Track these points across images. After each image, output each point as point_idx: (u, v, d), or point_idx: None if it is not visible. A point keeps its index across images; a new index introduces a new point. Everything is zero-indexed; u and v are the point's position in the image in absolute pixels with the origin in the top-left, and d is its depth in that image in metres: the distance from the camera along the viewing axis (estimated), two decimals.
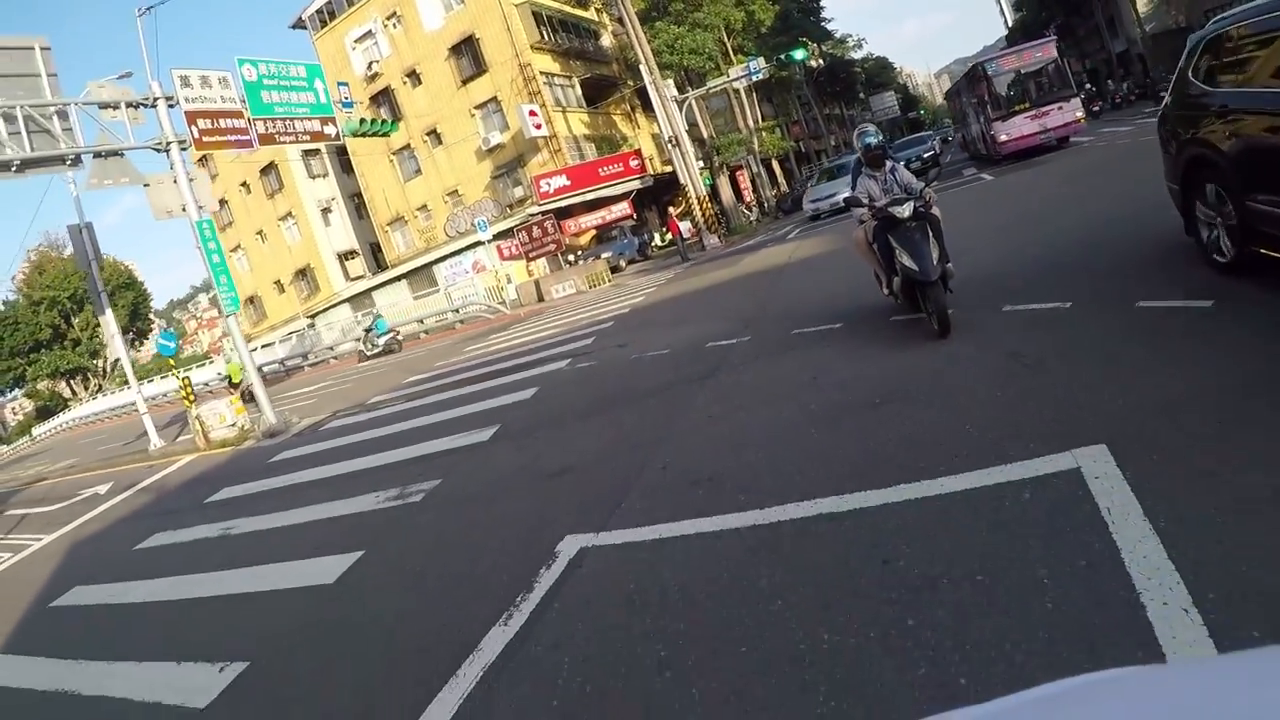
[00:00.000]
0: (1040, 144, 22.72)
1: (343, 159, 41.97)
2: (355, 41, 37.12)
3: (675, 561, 3.94)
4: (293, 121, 15.60)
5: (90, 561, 9.44)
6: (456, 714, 3.25)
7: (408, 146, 37.02)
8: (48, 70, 12.87)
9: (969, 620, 2.70)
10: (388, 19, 36.07)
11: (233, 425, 14.97)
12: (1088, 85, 42.16)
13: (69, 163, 12.99)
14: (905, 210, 6.17)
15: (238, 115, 14.64)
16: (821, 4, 66.05)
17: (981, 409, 4.56)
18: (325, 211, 43.16)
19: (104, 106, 13.22)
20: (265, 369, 32.05)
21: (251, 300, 46.19)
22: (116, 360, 60.39)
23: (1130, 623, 2.42)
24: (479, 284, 30.46)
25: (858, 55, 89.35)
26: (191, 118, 13.81)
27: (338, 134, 16.84)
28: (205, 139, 14.03)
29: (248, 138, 14.83)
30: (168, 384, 39.58)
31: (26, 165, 12.32)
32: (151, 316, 64.66)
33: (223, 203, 44.75)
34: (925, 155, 32.23)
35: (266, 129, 15.14)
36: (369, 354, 26.75)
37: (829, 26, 73.78)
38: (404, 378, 16.58)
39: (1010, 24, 79.70)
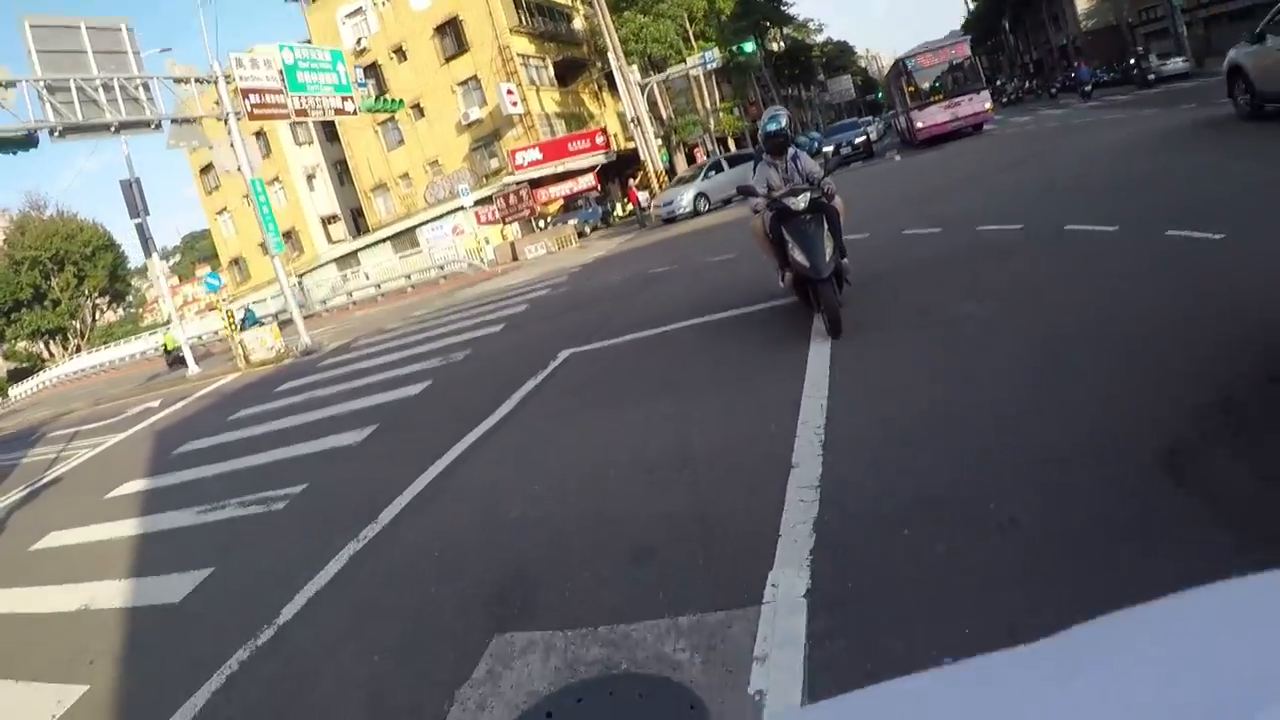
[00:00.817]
0: (953, 130, 26.29)
1: (327, 128, 44.57)
2: (346, 17, 39.91)
3: (618, 350, 7.88)
4: (321, 98, 19.00)
5: (188, 433, 12.12)
6: (519, 405, 6.97)
7: (392, 118, 39.92)
8: (133, 48, 15.99)
9: (737, 348, 6.57)
10: None
11: (271, 349, 18.40)
12: (998, 80, 46.21)
13: (153, 126, 16.20)
14: (800, 201, 5.98)
15: (279, 92, 17.98)
16: None
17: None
18: (310, 178, 45.95)
19: (178, 81, 16.47)
20: (264, 318, 35.04)
21: (236, 262, 48.86)
22: (95, 321, 62.52)
23: (804, 335, 6.17)
24: (459, 245, 33.86)
25: (819, 39, 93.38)
26: (244, 93, 17.14)
27: (355, 110, 20.25)
28: (256, 111, 17.43)
29: (286, 110, 18.21)
30: (139, 345, 42.20)
31: (123, 127, 15.56)
32: (129, 281, 66.41)
33: (209, 168, 47.20)
34: (857, 141, 31.37)
35: (301, 104, 18.55)
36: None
37: (791, 11, 77.38)
38: (411, 313, 20.09)
39: (968, 12, 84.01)
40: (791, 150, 6.50)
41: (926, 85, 27.49)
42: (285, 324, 37.05)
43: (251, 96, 17.16)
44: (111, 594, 5.57)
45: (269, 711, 3.35)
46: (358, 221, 46.25)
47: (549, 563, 3.79)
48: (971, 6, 79.84)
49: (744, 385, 5.51)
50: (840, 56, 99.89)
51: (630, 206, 35.22)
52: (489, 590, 3.67)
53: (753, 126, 57.81)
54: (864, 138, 32.14)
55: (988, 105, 26.83)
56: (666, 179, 33.28)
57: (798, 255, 5.88)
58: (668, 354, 7.11)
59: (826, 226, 5.94)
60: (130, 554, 6.59)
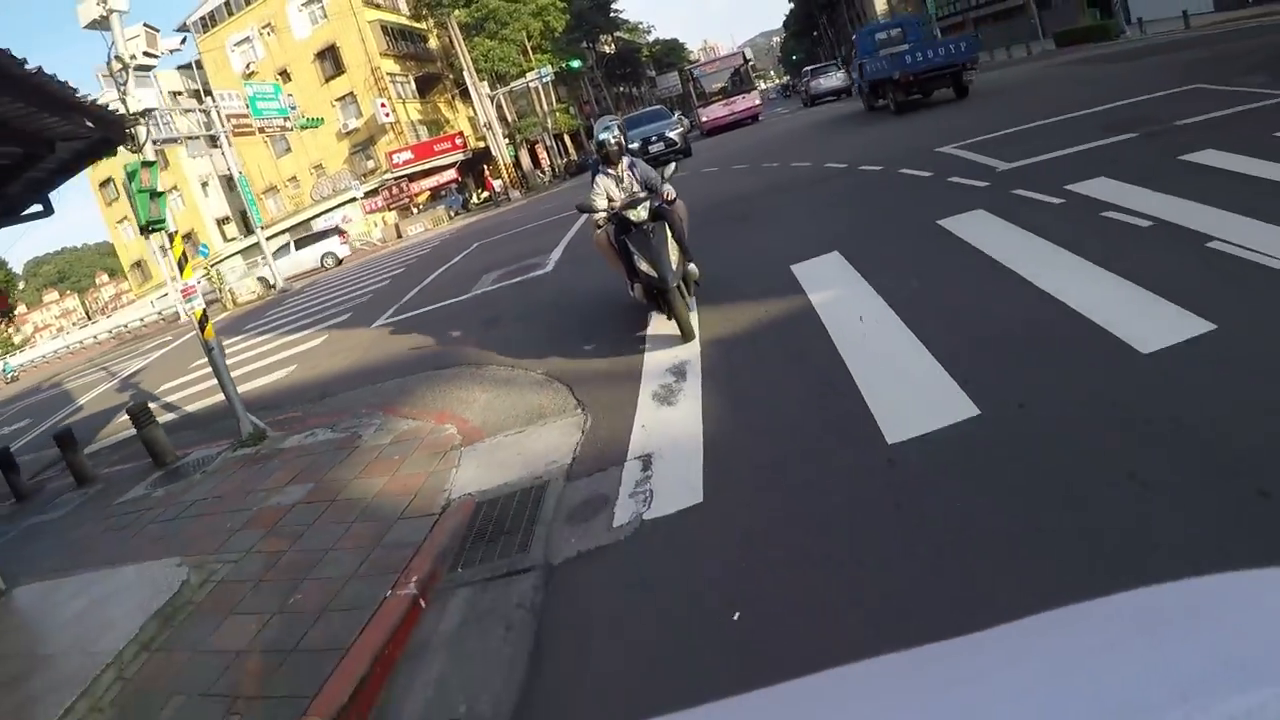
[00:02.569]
0: (732, 122, 35.27)
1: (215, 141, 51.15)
2: (235, 45, 46.55)
3: (502, 239, 17.85)
4: (272, 120, 27.34)
5: (241, 325, 20.77)
6: (461, 257, 16.58)
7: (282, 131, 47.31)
8: (156, 87, 23.92)
9: (553, 225, 16.55)
10: (263, 28, 45.92)
11: (253, 292, 26.68)
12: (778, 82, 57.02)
13: (179, 141, 24.20)
14: (641, 212, 6.07)
15: (246, 116, 26.26)
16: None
17: None
18: (204, 184, 52.31)
19: (185, 111, 24.61)
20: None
21: (138, 264, 54.54)
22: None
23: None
24: (351, 229, 42.06)
25: (649, 39, 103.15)
26: (227, 117, 25.38)
27: (293, 127, 28.70)
28: (236, 130, 25.66)
29: (252, 129, 26.56)
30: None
31: (163, 143, 23.47)
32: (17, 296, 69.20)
33: (107, 181, 52.76)
34: (670, 134, 25.21)
35: (259, 125, 26.86)
36: (7, 382, 33.36)
37: (624, 16, 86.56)
38: (339, 271, 28.77)
39: (788, 11, 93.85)
40: (627, 159, 6.57)
41: (715, 88, 37.14)
42: (210, 304, 44.12)
43: (231, 120, 25.41)
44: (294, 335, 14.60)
45: (429, 295, 12.90)
46: (247, 222, 52.85)
47: (498, 266, 13.75)
48: (791, 5, 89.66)
49: (552, 232, 15.42)
50: (670, 54, 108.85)
51: (485, 194, 44.24)
52: (479, 269, 13.47)
53: (586, 124, 67.24)
54: (678, 129, 26.40)
55: (758, 102, 36.41)
56: (515, 171, 42.56)
57: (644, 266, 5.95)
58: (526, 235, 16.94)
59: (670, 233, 6.01)
60: (268, 351, 15.49)
